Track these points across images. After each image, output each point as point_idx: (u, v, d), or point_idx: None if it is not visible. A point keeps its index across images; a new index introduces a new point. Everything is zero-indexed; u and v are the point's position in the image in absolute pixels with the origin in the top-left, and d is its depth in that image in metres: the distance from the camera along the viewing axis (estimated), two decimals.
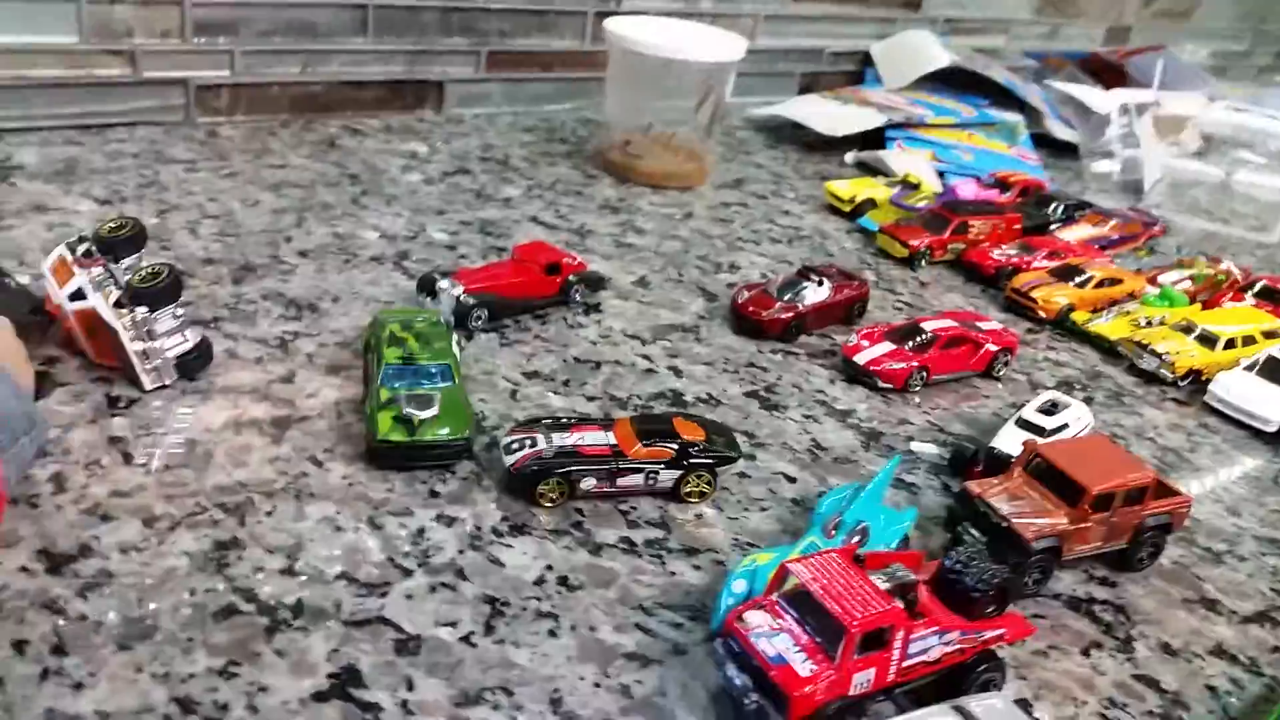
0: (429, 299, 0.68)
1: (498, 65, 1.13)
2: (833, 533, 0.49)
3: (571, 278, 0.72)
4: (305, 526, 0.48)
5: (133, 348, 0.56)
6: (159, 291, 0.57)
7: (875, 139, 1.18)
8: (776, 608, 0.41)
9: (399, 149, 0.99)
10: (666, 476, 0.53)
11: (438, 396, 0.54)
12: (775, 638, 0.40)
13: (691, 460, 0.53)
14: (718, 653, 0.41)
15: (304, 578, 0.45)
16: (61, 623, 0.42)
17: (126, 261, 0.59)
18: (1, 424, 0.45)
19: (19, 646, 0.40)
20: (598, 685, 0.42)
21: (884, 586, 0.41)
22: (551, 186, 0.96)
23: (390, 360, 0.56)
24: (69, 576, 0.44)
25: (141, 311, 0.56)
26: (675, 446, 0.53)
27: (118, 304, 0.56)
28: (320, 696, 0.40)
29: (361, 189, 0.88)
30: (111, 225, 0.60)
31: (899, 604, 0.40)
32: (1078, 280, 0.84)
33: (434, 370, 0.56)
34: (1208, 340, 0.77)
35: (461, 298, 0.67)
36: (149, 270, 0.57)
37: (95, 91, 0.91)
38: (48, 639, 0.41)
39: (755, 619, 0.41)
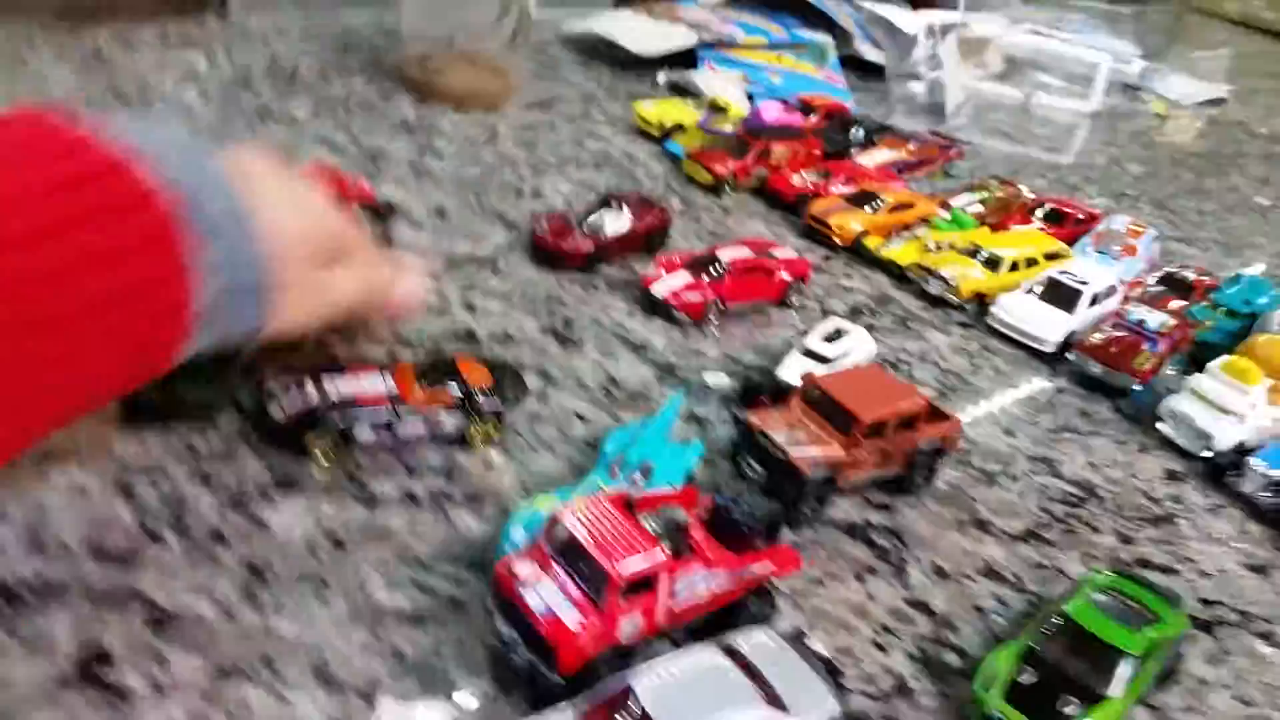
0: None
1: None
2: (617, 472, 0.49)
3: (356, 207, 0.68)
4: (45, 491, 0.44)
5: None
6: None
7: (688, 59, 1.16)
8: (545, 557, 0.40)
9: (175, 62, 0.91)
10: (450, 423, 0.52)
11: None
12: (543, 587, 0.39)
13: (476, 407, 0.52)
14: (488, 606, 0.40)
15: (45, 551, 0.41)
16: None
17: None
18: None
19: None
20: (366, 649, 0.41)
21: (655, 529, 0.41)
22: (344, 104, 0.90)
23: None
24: None
25: None
26: (459, 391, 0.51)
27: None
28: (64, 683, 0.37)
29: (130, 108, 0.80)
30: None
31: (664, 547, 0.40)
32: (872, 205, 0.86)
33: None
34: (992, 263, 0.81)
35: None
36: None
37: None
38: None
39: (524, 570, 0.40)
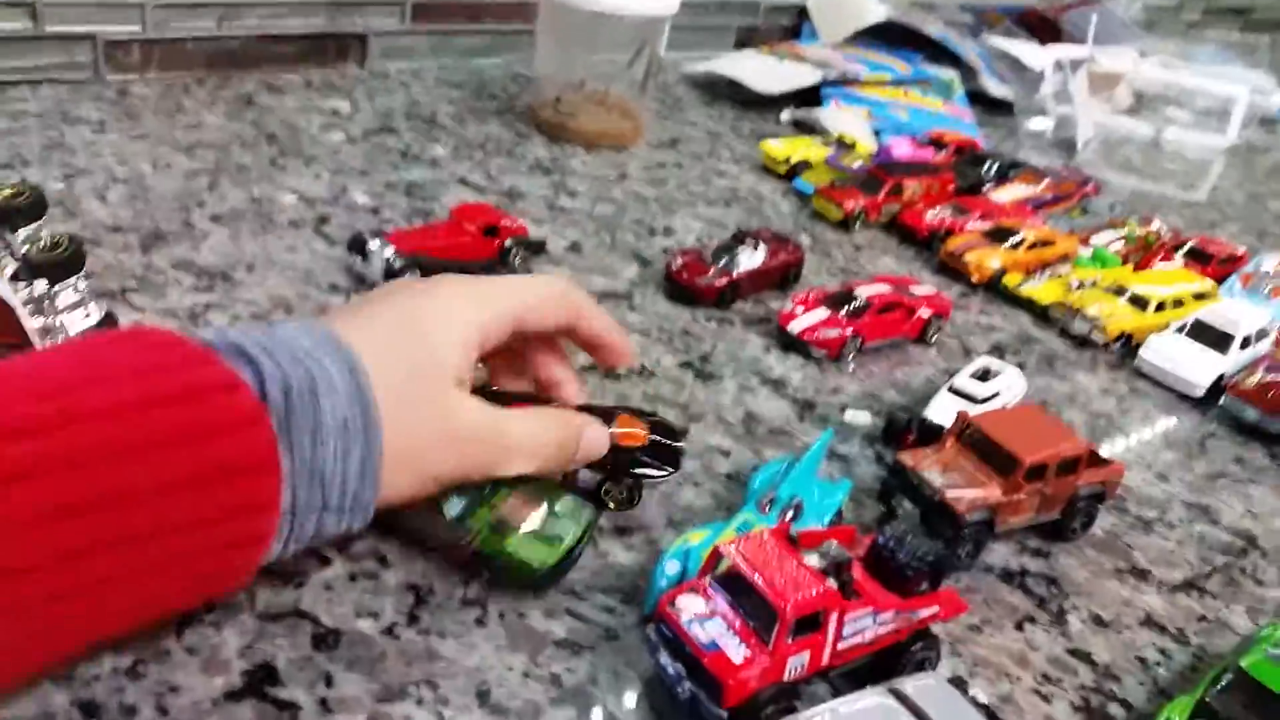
0: (359, 259, 0.66)
1: (424, 16, 1.08)
2: (767, 508, 0.48)
3: (509, 241, 0.70)
4: None
5: (31, 324, 0.53)
6: (59, 264, 0.53)
7: (812, 96, 1.16)
8: (709, 591, 0.40)
9: (320, 106, 0.95)
10: (587, 475, 0.48)
11: None
12: (708, 623, 0.39)
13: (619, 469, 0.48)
14: (650, 639, 0.40)
15: None
16: None
17: (24, 232, 0.55)
18: None
19: None
20: (527, 675, 0.41)
21: (818, 566, 0.40)
22: (480, 146, 0.93)
23: None
24: None
25: (40, 285, 0.53)
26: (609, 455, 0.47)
27: (14, 277, 0.52)
28: (234, 695, 0.38)
29: (279, 149, 0.84)
30: (7, 193, 0.56)
31: (833, 585, 0.39)
32: (1010, 242, 0.84)
33: None
34: (1139, 303, 0.78)
35: (391, 259, 0.65)
36: (48, 241, 0.54)
37: None
38: None
39: (687, 603, 0.40)
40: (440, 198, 0.81)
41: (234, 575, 0.37)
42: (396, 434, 0.38)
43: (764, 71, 1.18)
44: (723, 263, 0.72)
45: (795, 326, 0.67)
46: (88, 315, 0.55)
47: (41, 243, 0.54)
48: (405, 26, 1.07)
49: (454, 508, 0.44)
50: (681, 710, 0.39)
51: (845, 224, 0.89)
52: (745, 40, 1.35)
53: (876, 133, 1.09)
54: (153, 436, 0.31)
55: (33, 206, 0.56)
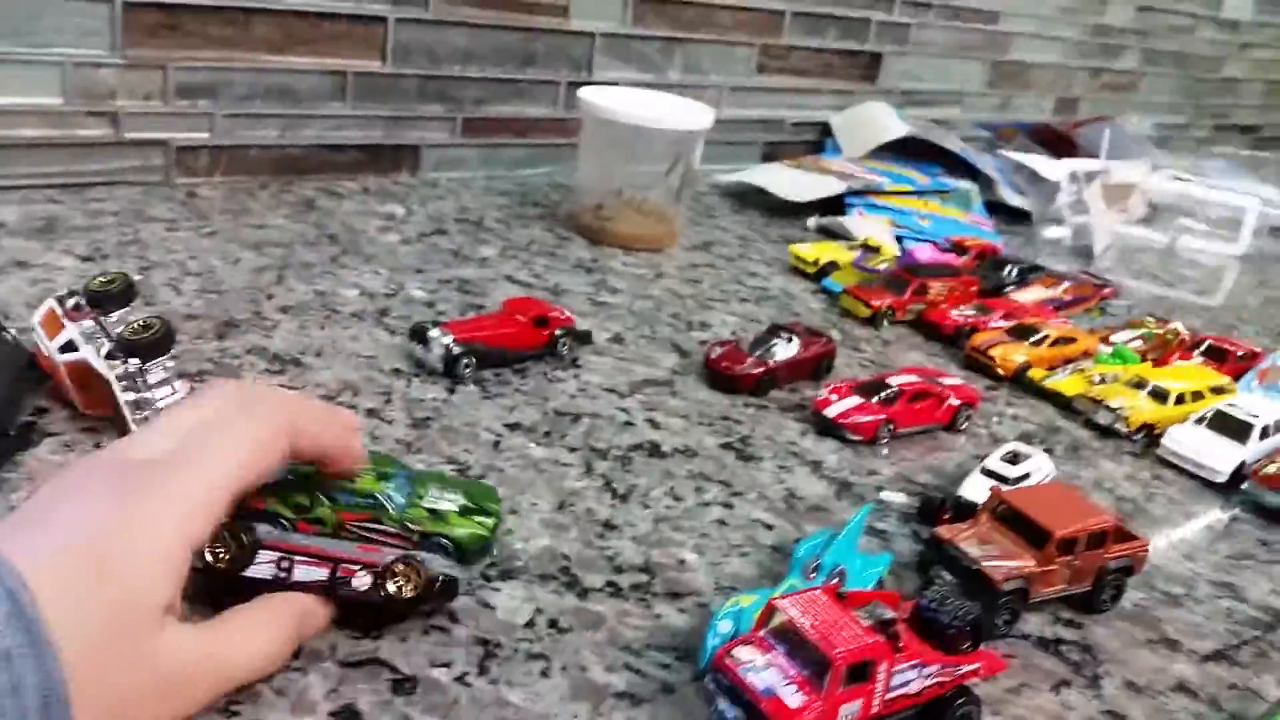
0: (420, 347, 0.71)
1: (473, 131, 1.16)
2: (812, 575, 0.51)
3: (559, 331, 0.75)
4: None
5: (124, 398, 0.57)
6: (151, 344, 0.58)
7: (835, 205, 1.22)
8: (765, 643, 0.43)
9: (377, 210, 1.01)
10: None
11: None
12: (764, 671, 0.41)
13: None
14: (708, 689, 0.43)
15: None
16: None
17: (116, 315, 0.60)
18: None
19: None
20: None
21: (865, 623, 0.43)
22: (526, 247, 0.98)
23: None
24: None
25: (134, 363, 0.57)
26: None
27: (109, 355, 0.57)
28: None
29: (340, 249, 0.90)
30: (101, 280, 0.61)
31: (881, 638, 0.42)
32: (1034, 339, 0.88)
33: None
34: (1159, 395, 0.81)
35: (451, 346, 0.69)
36: (141, 323, 0.58)
37: (76, 152, 0.92)
38: None
39: (744, 654, 0.42)
40: (490, 293, 0.86)
41: None
42: (94, 691, 0.32)
43: (791, 181, 1.24)
44: (760, 353, 0.76)
45: (830, 412, 0.71)
46: (174, 392, 0.59)
47: (134, 324, 0.59)
48: (456, 139, 1.15)
49: (395, 507, 0.50)
50: None
51: (872, 321, 0.93)
52: (771, 154, 1.42)
53: (899, 239, 1.14)
54: None
55: (123, 292, 0.62)
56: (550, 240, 1.02)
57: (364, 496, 0.50)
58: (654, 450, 0.66)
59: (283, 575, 0.44)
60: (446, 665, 0.45)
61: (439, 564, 0.47)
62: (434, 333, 0.70)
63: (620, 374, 0.76)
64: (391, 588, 0.46)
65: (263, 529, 0.45)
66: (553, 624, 0.49)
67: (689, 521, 0.59)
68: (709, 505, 0.61)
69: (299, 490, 0.50)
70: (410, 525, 0.50)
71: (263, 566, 0.44)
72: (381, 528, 0.50)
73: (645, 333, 0.84)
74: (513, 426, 0.66)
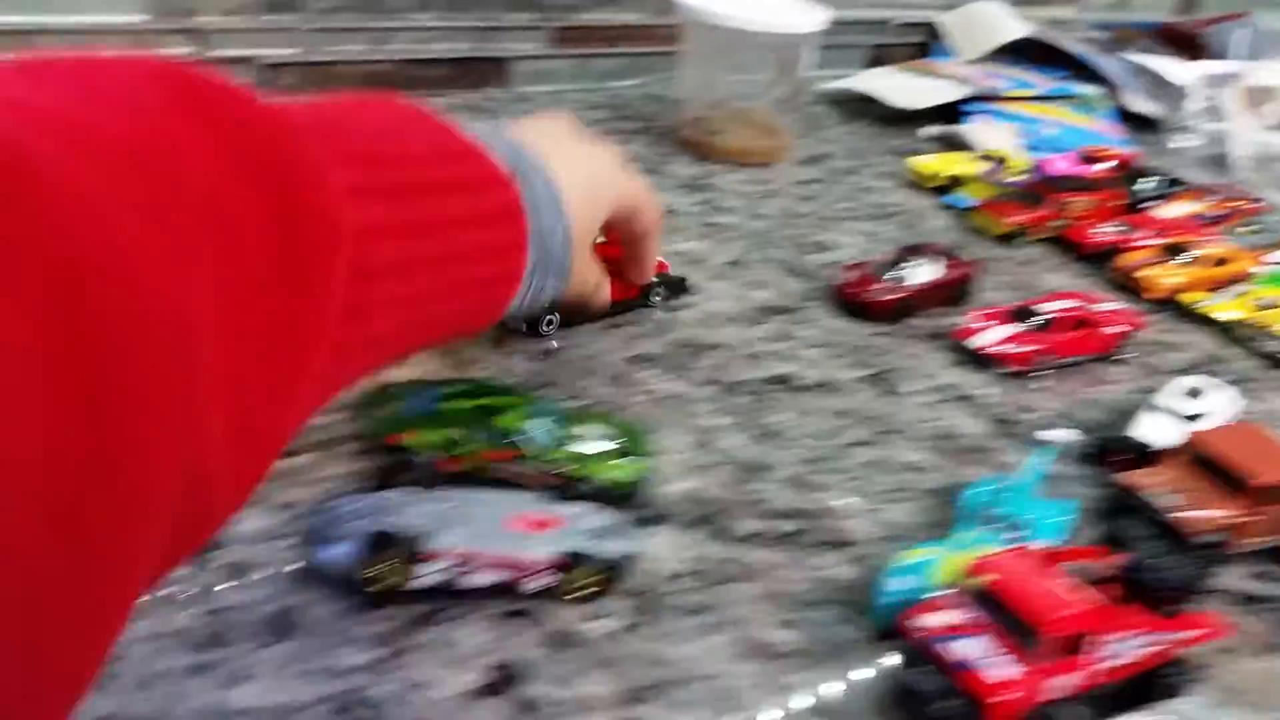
0: None
1: (565, 41, 1.10)
2: (988, 527, 0.47)
3: (655, 279, 0.66)
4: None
5: None
6: None
7: (950, 114, 1.14)
8: (959, 606, 0.38)
9: (467, 125, 0.96)
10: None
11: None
12: (961, 640, 0.37)
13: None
14: (892, 656, 0.39)
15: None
16: (207, 614, 0.40)
17: None
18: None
19: (170, 637, 0.39)
20: (757, 685, 0.40)
21: (1075, 585, 0.38)
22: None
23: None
24: (208, 567, 0.42)
25: None
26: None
27: None
28: (479, 691, 0.38)
29: None
30: None
31: (1092, 604, 0.37)
32: (1187, 258, 0.81)
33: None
34: None
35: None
36: None
37: None
38: (195, 632, 0.39)
39: (935, 619, 0.38)
40: None
41: (490, 310, 0.43)
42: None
43: (903, 88, 1.16)
44: (894, 276, 0.70)
45: (978, 342, 0.65)
46: None
47: None
48: (547, 50, 1.09)
49: (541, 447, 0.47)
50: None
51: (1006, 239, 0.86)
52: (876, 59, 1.33)
53: (1026, 149, 1.06)
54: (449, 182, 0.38)
55: None
56: (652, 157, 0.96)
57: (509, 435, 0.46)
58: (788, 384, 0.61)
59: (451, 583, 0.41)
60: (604, 618, 0.42)
61: (610, 547, 0.43)
62: None
63: (742, 301, 0.71)
64: (569, 594, 0.43)
65: (415, 529, 0.41)
66: (707, 575, 0.45)
67: (837, 463, 0.55)
68: (856, 446, 0.56)
69: (441, 425, 0.47)
70: (556, 468, 0.47)
71: (429, 577, 0.41)
72: (526, 469, 0.46)
73: (763, 255, 0.78)
74: (635, 359, 0.62)
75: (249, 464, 0.28)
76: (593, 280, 0.53)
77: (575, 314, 0.60)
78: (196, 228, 0.24)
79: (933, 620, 0.38)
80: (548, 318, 0.61)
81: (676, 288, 0.69)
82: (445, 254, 0.37)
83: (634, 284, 0.64)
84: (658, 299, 0.68)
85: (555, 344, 0.61)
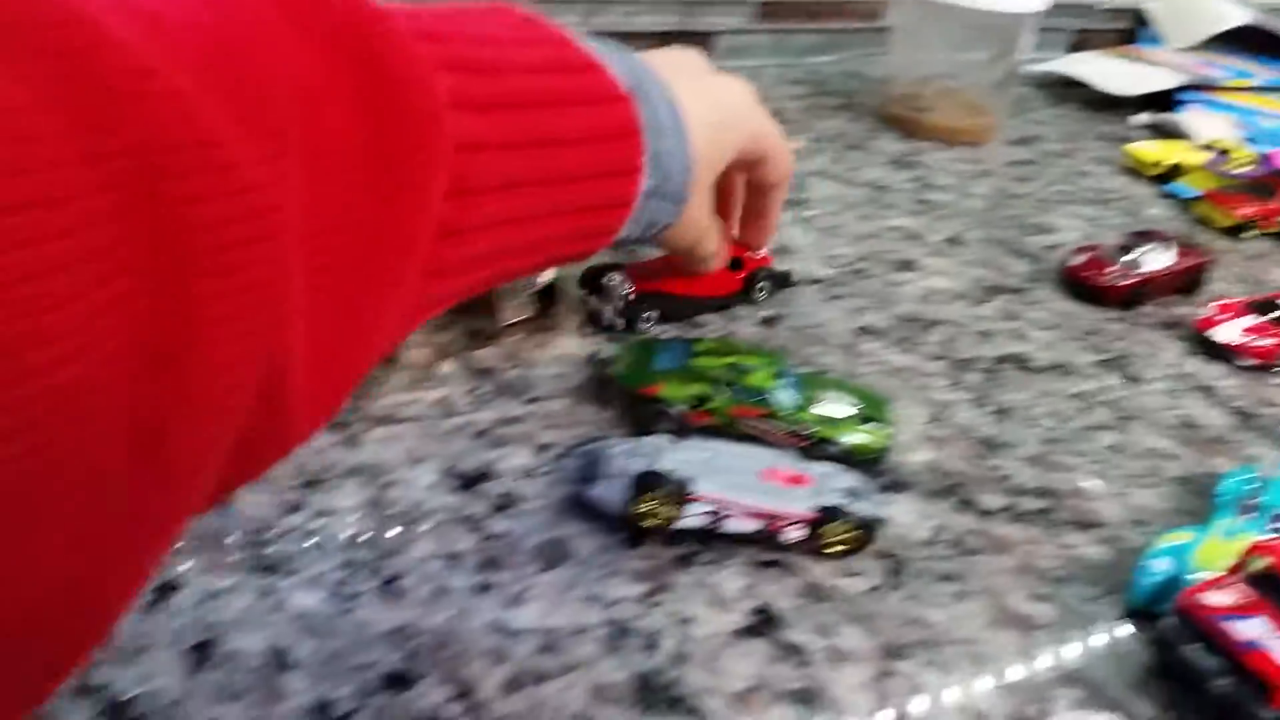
0: (594, 297, 0.58)
1: (768, 15, 1.10)
2: (1250, 515, 0.45)
3: (760, 271, 0.62)
4: None
5: None
6: None
7: (1160, 101, 1.09)
8: (1242, 588, 0.38)
9: None
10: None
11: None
12: (1244, 621, 0.37)
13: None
14: (1170, 633, 0.39)
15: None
16: (485, 540, 0.43)
17: None
18: None
19: (452, 559, 0.41)
20: (1019, 654, 0.40)
21: None
22: (833, 141, 0.93)
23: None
24: (480, 497, 0.45)
25: None
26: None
27: None
28: (744, 632, 0.40)
29: None
30: None
31: None
32: None
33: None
34: None
35: (628, 295, 0.57)
36: None
37: None
38: (475, 555, 0.42)
39: (1218, 600, 0.38)
40: (806, 190, 0.81)
41: (599, 236, 0.41)
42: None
43: (1113, 73, 1.12)
44: (1129, 262, 0.68)
45: (1223, 333, 0.63)
46: None
47: None
48: (750, 24, 1.09)
49: (789, 406, 0.49)
50: (1208, 707, 0.37)
51: (1233, 231, 0.83)
52: (1079, 44, 1.29)
53: (1246, 140, 1.01)
54: (561, 95, 0.36)
55: None
56: (856, 133, 0.96)
57: (759, 393, 0.48)
58: (1022, 364, 0.61)
59: (713, 526, 0.43)
60: (857, 575, 0.43)
61: (863, 507, 0.44)
62: (614, 278, 0.57)
63: (964, 279, 0.70)
64: (825, 548, 0.44)
65: (682, 477, 0.43)
66: (956, 544, 0.46)
67: (1080, 445, 0.54)
68: (1097, 429, 0.56)
69: (693, 379, 0.48)
70: (804, 428, 0.48)
71: (694, 519, 0.43)
72: (774, 427, 0.48)
73: (981, 235, 0.78)
74: (861, 331, 0.62)
75: (329, 384, 0.26)
76: (704, 225, 0.49)
77: (676, 270, 0.56)
78: (286, 126, 0.22)
79: (1218, 599, 0.38)
80: (645, 314, 0.57)
81: (782, 281, 0.65)
82: (553, 173, 0.35)
83: (739, 266, 0.60)
84: (762, 295, 0.63)
85: (774, 311, 0.62)
